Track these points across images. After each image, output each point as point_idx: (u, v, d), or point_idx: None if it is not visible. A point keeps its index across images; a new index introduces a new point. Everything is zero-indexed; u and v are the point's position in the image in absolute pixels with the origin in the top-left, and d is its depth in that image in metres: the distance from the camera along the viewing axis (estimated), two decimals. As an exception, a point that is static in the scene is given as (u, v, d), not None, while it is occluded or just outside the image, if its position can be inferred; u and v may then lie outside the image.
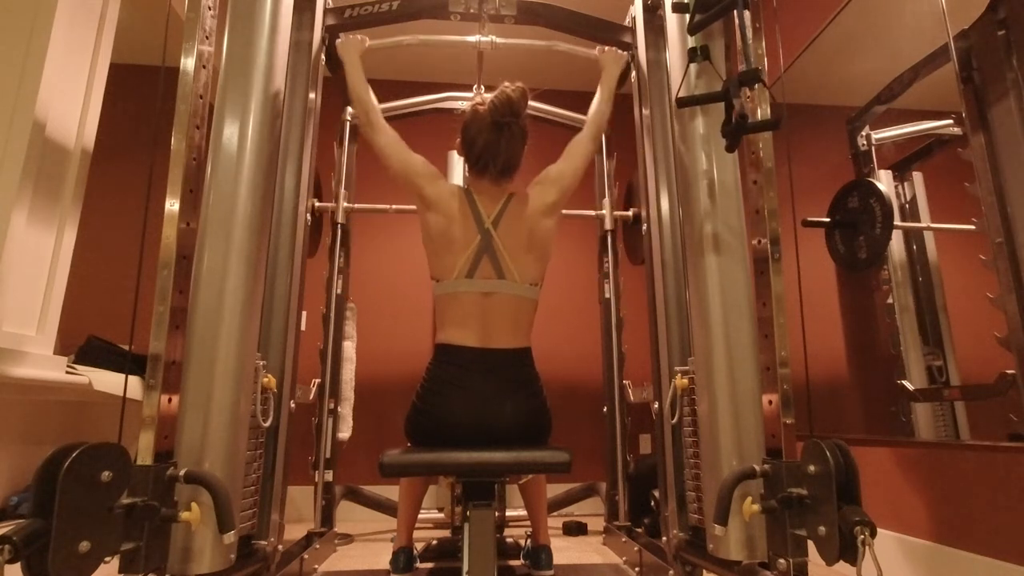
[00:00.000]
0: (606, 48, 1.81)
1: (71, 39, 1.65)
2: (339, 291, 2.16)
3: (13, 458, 1.59)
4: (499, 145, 1.46)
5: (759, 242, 1.26)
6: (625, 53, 1.82)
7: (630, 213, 2.33)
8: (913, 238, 1.53)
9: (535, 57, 3.15)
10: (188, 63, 1.19)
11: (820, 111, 1.95)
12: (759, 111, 1.26)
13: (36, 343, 1.55)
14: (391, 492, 2.43)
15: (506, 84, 1.46)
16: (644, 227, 1.73)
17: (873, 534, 0.93)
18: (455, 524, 2.15)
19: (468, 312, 1.39)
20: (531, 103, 1.53)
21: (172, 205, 1.13)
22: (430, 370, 1.41)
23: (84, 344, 1.85)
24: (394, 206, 2.28)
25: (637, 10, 1.81)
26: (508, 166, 1.49)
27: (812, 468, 1.04)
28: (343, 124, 2.32)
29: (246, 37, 1.28)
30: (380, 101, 2.38)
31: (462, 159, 1.57)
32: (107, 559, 0.90)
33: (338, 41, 1.70)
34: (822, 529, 1.00)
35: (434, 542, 1.88)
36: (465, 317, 1.39)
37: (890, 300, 1.60)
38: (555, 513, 2.68)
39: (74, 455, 0.85)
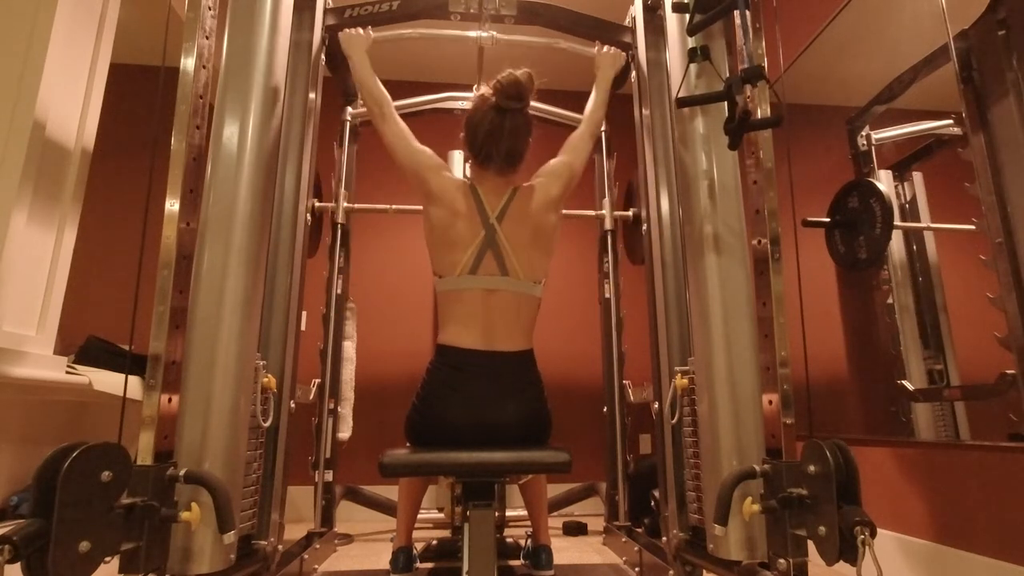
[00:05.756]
0: (604, 48, 1.81)
1: (71, 39, 1.65)
2: (339, 291, 2.16)
3: (13, 458, 1.59)
4: (502, 131, 1.43)
5: (759, 242, 1.26)
6: (623, 53, 1.82)
7: (630, 213, 2.33)
8: (913, 238, 1.53)
9: (535, 57, 3.14)
10: (188, 63, 1.19)
11: (820, 111, 1.95)
12: (759, 110, 1.26)
13: (36, 343, 1.55)
14: (391, 492, 2.42)
15: (512, 69, 1.45)
16: (644, 227, 1.73)
17: (873, 534, 0.93)
18: (455, 524, 2.15)
19: (471, 311, 1.38)
20: (531, 103, 1.52)
21: (172, 205, 1.13)
22: (431, 371, 1.40)
23: (84, 344, 1.85)
24: (394, 206, 2.27)
25: (637, 10, 1.81)
26: (512, 155, 1.46)
27: (812, 468, 1.04)
28: (343, 124, 2.32)
29: (246, 37, 1.28)
30: (380, 101, 2.40)
31: (464, 159, 1.56)
32: (107, 559, 0.90)
33: (341, 35, 1.67)
34: (822, 529, 1.00)
35: (434, 542, 1.88)
36: (467, 316, 1.38)
37: (890, 300, 1.60)
38: (555, 513, 2.68)
39: (74, 455, 0.85)
